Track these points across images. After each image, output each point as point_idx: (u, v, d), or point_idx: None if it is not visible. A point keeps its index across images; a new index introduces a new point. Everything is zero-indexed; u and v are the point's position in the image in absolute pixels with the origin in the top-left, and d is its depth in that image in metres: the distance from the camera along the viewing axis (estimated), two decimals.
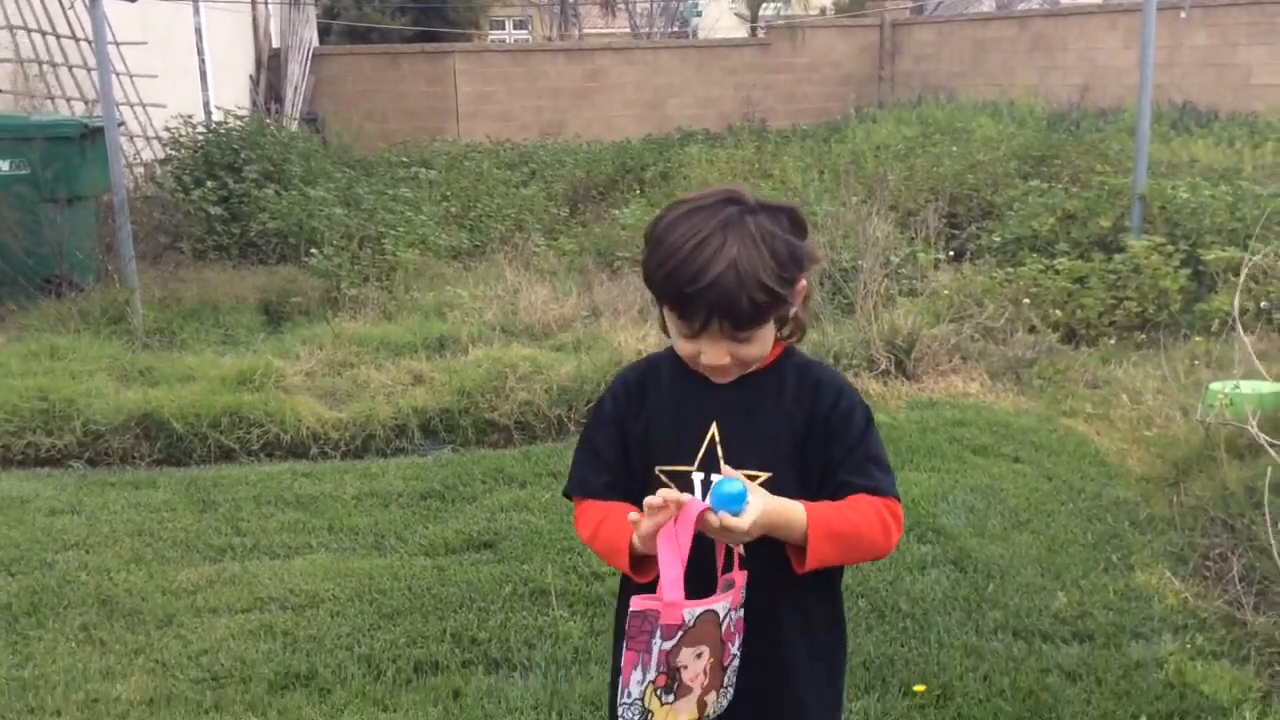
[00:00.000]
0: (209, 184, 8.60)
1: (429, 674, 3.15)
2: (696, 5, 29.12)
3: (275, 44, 15.81)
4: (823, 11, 27.03)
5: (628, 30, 28.17)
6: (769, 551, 1.73)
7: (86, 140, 7.35)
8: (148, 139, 9.93)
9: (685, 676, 1.67)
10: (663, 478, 1.79)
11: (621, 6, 28.42)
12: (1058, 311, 6.25)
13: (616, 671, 1.76)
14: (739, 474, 1.68)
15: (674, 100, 17.24)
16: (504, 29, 39.80)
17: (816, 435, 1.78)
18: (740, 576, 1.71)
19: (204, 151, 9.05)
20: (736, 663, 1.73)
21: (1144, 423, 4.85)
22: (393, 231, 8.41)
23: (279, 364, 5.70)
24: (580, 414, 5.28)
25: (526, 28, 42.61)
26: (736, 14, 29.04)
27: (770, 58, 17.93)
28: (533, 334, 6.59)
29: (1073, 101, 14.31)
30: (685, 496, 1.65)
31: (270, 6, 15.71)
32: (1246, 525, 3.51)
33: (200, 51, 12.57)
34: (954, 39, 16.86)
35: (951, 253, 7.33)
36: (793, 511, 1.69)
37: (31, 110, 8.25)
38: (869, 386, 5.59)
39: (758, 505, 1.64)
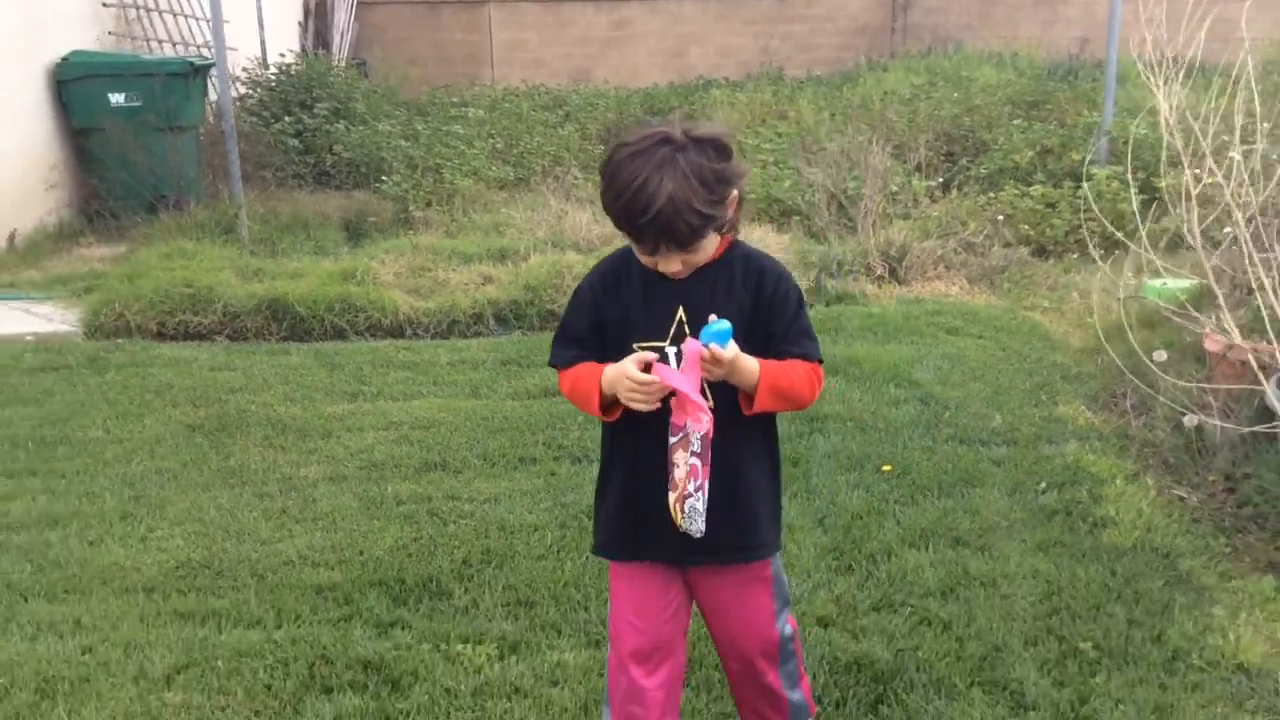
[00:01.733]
0: (286, 119, 9.70)
1: (530, 464, 4.29)
2: None
3: None
4: None
5: None
6: (729, 398, 2.14)
7: (190, 78, 8.45)
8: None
9: (675, 475, 2.12)
10: (641, 351, 2.17)
11: None
12: (1029, 229, 7.33)
13: (620, 480, 2.31)
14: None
15: (696, 49, 18.16)
16: None
17: (761, 313, 2.16)
18: (707, 416, 2.06)
19: (280, 90, 10.12)
20: (697, 501, 2.10)
21: (1088, 312, 5.94)
22: (449, 163, 9.48)
23: (374, 265, 6.83)
24: None
25: None
26: None
27: (787, 9, 18.79)
28: (579, 249, 7.66)
29: (1073, 53, 15.21)
30: (656, 358, 2.07)
31: None
32: (1141, 371, 4.61)
33: None
34: None
35: (941, 180, 8.38)
36: (752, 363, 2.08)
37: (133, 51, 9.33)
38: (865, 288, 6.70)
39: (735, 346, 2.05)
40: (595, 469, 4.28)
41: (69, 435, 4.64)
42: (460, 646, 3.01)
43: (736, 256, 2.19)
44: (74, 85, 8.29)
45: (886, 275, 6.91)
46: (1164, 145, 4.15)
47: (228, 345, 5.99)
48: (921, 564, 3.38)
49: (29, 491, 4.09)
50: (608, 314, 2.20)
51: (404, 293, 6.59)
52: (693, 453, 2.10)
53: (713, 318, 2.06)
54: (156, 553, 3.61)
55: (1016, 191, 7.68)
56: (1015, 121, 9.36)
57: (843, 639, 3.00)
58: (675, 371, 2.06)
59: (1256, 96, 3.86)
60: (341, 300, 6.25)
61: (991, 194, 7.90)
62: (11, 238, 7.70)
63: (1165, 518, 3.64)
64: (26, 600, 3.33)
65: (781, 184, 8.38)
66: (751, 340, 2.13)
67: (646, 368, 2.09)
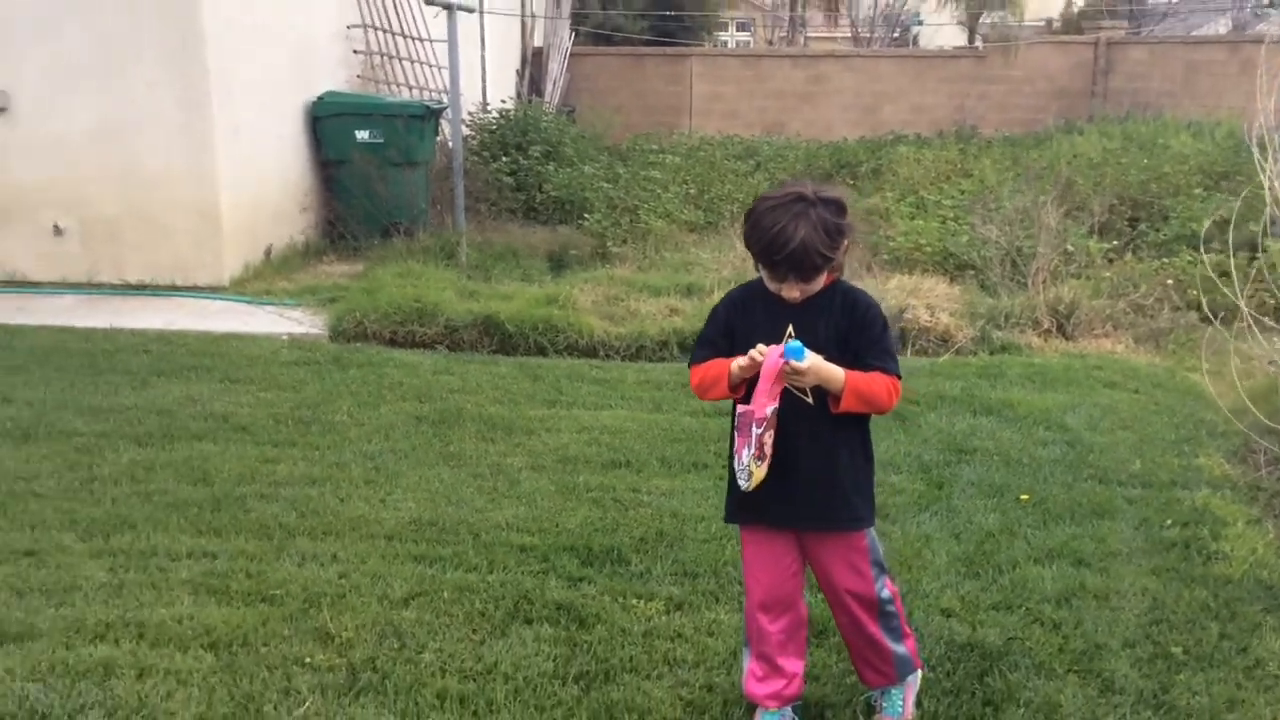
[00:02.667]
0: (503, 159, 10.71)
1: (702, 469, 4.91)
2: (919, 15, 30.12)
3: (536, 43, 18.08)
4: (1049, 24, 27.65)
5: (849, 36, 29.48)
6: (824, 397, 2.70)
7: (426, 120, 9.52)
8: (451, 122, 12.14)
9: (766, 450, 2.65)
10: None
11: (844, 14, 29.73)
12: (1200, 295, 7.51)
13: (732, 455, 2.75)
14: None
15: (889, 106, 18.61)
16: (727, 31, 41.16)
17: (854, 333, 2.71)
18: (771, 406, 2.62)
19: (499, 133, 11.18)
20: (763, 463, 2.67)
21: (1247, 375, 6.15)
22: (645, 205, 10.29)
23: (574, 293, 7.62)
24: None
25: (749, 30, 43.87)
26: (960, 22, 29.87)
27: (985, 69, 19.04)
28: None
29: (1276, 125, 14.92)
30: (770, 349, 2.62)
31: (535, 14, 17.97)
32: None
33: (483, 49, 14.86)
34: (1166, 59, 17.57)
35: (1119, 243, 8.63)
36: (837, 371, 2.63)
37: (375, 94, 10.52)
38: (1031, 340, 7.06)
39: (813, 358, 2.59)
40: None
41: (319, 417, 5.53)
42: (635, 601, 3.64)
43: (839, 290, 2.77)
44: (327, 122, 9.47)
45: (1053, 330, 7.25)
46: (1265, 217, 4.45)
47: (447, 354, 6.86)
48: (1043, 576, 3.81)
49: (291, 458, 4.97)
50: (736, 327, 2.77)
51: (599, 318, 7.35)
52: (766, 430, 2.65)
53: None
54: (393, 511, 4.39)
55: (1189, 258, 7.87)
56: (1196, 191, 9.49)
57: (961, 627, 3.48)
58: (769, 363, 2.60)
59: None
60: (544, 321, 7.05)
61: (1166, 259, 8.11)
62: (268, 251, 8.87)
63: (1277, 558, 3.96)
64: (294, 537, 4.15)
65: (959, 239, 8.79)
66: (845, 355, 2.69)
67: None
